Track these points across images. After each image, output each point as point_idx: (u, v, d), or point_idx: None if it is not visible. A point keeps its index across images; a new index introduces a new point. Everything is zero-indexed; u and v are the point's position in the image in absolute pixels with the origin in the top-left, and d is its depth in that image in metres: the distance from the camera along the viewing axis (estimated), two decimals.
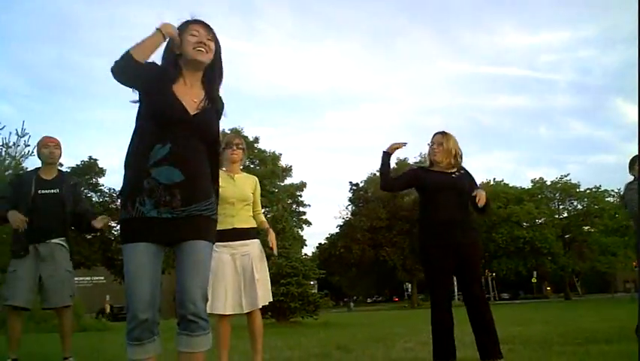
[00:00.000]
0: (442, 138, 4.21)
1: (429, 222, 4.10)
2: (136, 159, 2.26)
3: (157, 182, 2.19)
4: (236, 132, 37.38)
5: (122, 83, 2.27)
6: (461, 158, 4.24)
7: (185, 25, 2.40)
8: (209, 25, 2.43)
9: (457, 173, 4.18)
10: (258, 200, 4.38)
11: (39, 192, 4.50)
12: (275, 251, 4.26)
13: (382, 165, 4.24)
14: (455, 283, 4.32)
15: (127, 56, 2.18)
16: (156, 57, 2.35)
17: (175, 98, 2.29)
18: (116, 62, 2.19)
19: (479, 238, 4.13)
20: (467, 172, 4.26)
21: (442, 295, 3.99)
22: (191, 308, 2.18)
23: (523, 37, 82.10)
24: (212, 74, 2.46)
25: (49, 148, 4.64)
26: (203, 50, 2.36)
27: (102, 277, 42.80)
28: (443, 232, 4.00)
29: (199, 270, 2.23)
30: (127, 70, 2.21)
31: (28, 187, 4.50)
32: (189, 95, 2.35)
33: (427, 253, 4.06)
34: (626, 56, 74.39)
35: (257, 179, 4.46)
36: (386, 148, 4.23)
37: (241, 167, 4.40)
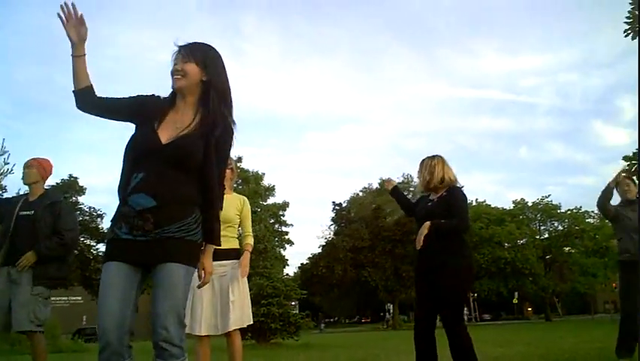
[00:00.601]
0: (419, 167, 4.33)
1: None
2: (119, 189, 2.34)
3: (131, 208, 2.24)
4: None
5: (89, 113, 2.42)
6: (442, 179, 4.23)
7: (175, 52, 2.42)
8: (187, 45, 2.40)
9: (436, 199, 4.21)
10: (245, 220, 4.36)
11: (20, 213, 4.46)
12: (241, 274, 4.18)
13: (396, 201, 4.74)
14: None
15: (73, 92, 2.37)
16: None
17: (151, 130, 2.33)
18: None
19: (454, 262, 3.99)
20: (451, 194, 4.20)
21: (421, 322, 4.05)
22: (162, 334, 2.12)
23: (505, 61, 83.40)
24: (207, 96, 2.40)
25: (24, 169, 4.64)
26: (177, 76, 2.36)
27: (79, 297, 42.05)
28: (419, 258, 4.15)
29: (170, 294, 2.17)
30: (81, 102, 2.38)
31: (10, 210, 4.47)
32: (175, 122, 2.36)
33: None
34: (606, 81, 75.94)
35: (245, 199, 4.43)
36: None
37: (235, 185, 4.39)
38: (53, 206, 4.59)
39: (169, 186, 2.26)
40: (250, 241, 4.37)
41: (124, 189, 2.30)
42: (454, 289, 3.97)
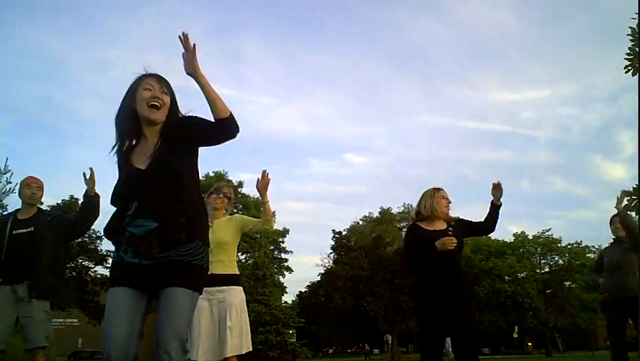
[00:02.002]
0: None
1: None
2: (116, 222, 2.39)
3: (133, 234, 2.26)
4: (220, 176, 37.37)
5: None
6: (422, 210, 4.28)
7: (139, 80, 2.41)
8: (163, 78, 2.43)
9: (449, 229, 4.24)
10: (247, 220, 4.39)
11: (13, 232, 4.41)
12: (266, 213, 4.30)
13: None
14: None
15: None
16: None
17: (129, 167, 2.39)
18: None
19: (473, 292, 4.07)
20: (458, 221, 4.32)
21: (432, 352, 3.95)
22: (164, 359, 2.11)
23: (506, 94, 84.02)
24: (169, 128, 2.40)
25: (31, 189, 4.58)
26: (156, 104, 2.36)
27: (76, 320, 41.63)
28: (434, 284, 4.05)
29: (174, 318, 2.16)
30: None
31: (4, 229, 4.42)
32: (147, 150, 2.39)
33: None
34: (605, 115, 76.33)
35: (236, 215, 4.45)
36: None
37: (228, 214, 4.39)
38: (55, 220, 4.60)
39: (166, 206, 2.28)
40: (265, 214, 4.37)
41: (118, 225, 2.35)
42: (474, 319, 3.97)
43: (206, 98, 2.32)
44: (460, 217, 4.33)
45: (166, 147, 2.36)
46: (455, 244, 3.90)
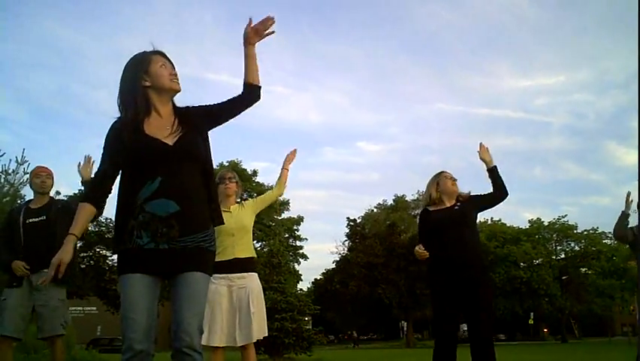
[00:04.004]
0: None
1: None
2: (127, 200, 2.27)
3: (152, 215, 2.21)
4: (234, 165, 37.50)
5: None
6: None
7: (149, 56, 2.43)
8: (169, 59, 2.49)
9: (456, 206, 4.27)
10: (259, 200, 4.58)
11: (27, 221, 4.49)
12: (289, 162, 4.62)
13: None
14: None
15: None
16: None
17: (150, 138, 2.30)
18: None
19: (489, 278, 4.08)
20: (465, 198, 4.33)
21: (447, 338, 3.94)
22: (186, 341, 2.15)
23: (519, 81, 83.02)
24: (182, 110, 2.48)
25: (40, 178, 4.63)
26: (176, 79, 2.43)
27: (94, 308, 42.22)
28: (449, 269, 4.06)
29: (195, 302, 2.21)
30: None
31: (16, 219, 4.51)
32: (164, 126, 2.36)
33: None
34: (620, 101, 75.11)
35: (249, 200, 4.52)
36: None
37: (238, 200, 4.43)
38: (65, 207, 4.59)
39: (189, 189, 2.28)
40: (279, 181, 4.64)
41: (133, 199, 2.24)
42: (491, 306, 3.97)
43: (249, 66, 2.56)
44: (472, 194, 4.34)
45: (187, 127, 2.39)
46: (425, 257, 3.95)
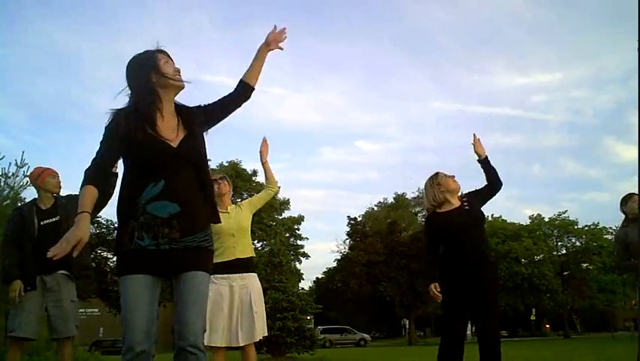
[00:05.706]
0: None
1: None
2: (130, 201, 2.27)
3: (153, 216, 2.23)
4: (234, 165, 37.56)
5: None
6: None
7: (154, 54, 2.44)
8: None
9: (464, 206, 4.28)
10: (254, 200, 4.60)
11: (41, 223, 4.48)
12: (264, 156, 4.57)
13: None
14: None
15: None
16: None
17: (155, 139, 2.29)
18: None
19: (497, 276, 4.09)
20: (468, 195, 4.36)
21: (454, 336, 3.95)
22: (190, 340, 2.17)
23: (515, 78, 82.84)
24: (182, 110, 2.50)
25: (56, 178, 4.65)
26: (180, 76, 2.45)
27: (96, 310, 42.25)
28: (459, 268, 4.05)
29: (198, 301, 2.23)
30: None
31: (31, 221, 4.47)
32: (167, 127, 2.37)
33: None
34: (618, 97, 74.93)
35: (245, 201, 4.56)
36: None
37: (233, 200, 4.49)
38: (72, 202, 4.58)
39: (190, 192, 2.31)
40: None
41: (135, 200, 2.25)
42: (498, 304, 3.99)
43: (255, 67, 2.74)
44: (467, 192, 4.35)
45: (189, 128, 2.41)
46: (439, 299, 3.95)
